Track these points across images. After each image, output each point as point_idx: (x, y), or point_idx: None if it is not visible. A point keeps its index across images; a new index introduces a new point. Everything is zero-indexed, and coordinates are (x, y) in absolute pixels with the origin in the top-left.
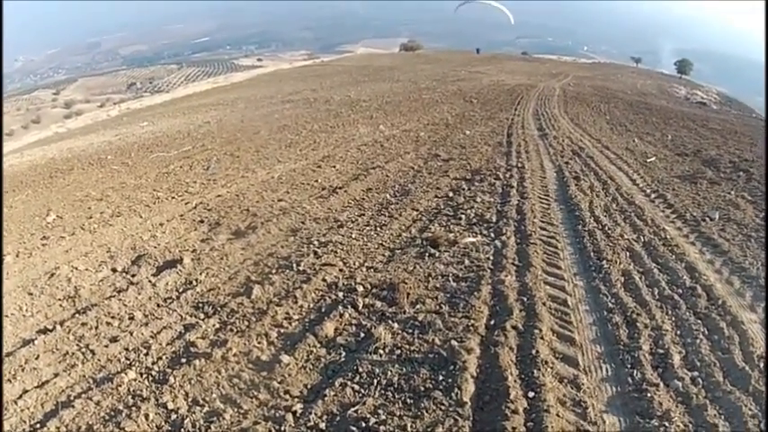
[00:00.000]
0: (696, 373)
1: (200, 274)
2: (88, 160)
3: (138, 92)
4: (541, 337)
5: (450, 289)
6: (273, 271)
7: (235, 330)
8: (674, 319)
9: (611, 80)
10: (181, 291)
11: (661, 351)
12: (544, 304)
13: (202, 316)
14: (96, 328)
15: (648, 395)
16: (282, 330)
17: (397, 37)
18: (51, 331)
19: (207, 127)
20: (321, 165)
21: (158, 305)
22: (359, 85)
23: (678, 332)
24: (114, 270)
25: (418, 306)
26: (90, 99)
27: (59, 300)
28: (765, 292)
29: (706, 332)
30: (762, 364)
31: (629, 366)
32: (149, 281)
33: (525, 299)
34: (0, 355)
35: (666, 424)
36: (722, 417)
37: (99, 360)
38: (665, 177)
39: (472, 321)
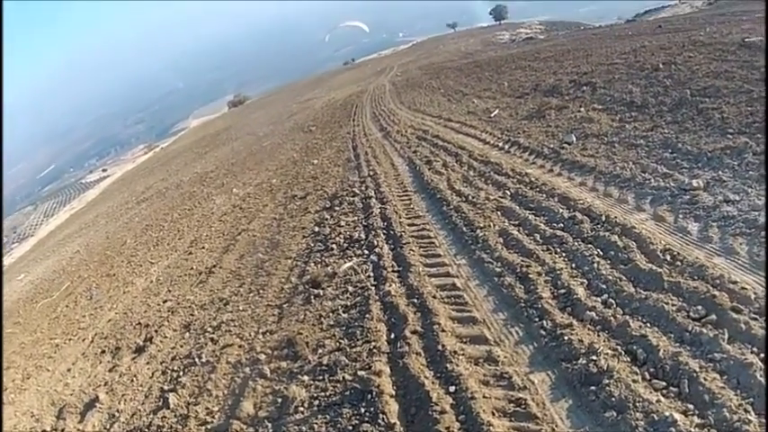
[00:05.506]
0: (605, 296)
1: (119, 403)
2: None
3: (6, 246)
4: (442, 330)
5: (344, 321)
6: (181, 373)
7: None
8: (564, 255)
9: (435, 54)
10: (108, 427)
11: (563, 291)
12: (434, 297)
13: None
14: None
15: (566, 338)
16: (208, 426)
17: (223, 96)
18: None
19: (78, 256)
20: (191, 251)
21: None
22: (202, 157)
23: (573, 265)
24: None
25: (320, 351)
26: None
27: None
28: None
29: (600, 253)
30: (668, 257)
31: (537, 319)
32: (78, 429)
33: (415, 300)
34: None
35: (594, 357)
36: (648, 324)
37: None
38: (513, 124)
39: (373, 343)
